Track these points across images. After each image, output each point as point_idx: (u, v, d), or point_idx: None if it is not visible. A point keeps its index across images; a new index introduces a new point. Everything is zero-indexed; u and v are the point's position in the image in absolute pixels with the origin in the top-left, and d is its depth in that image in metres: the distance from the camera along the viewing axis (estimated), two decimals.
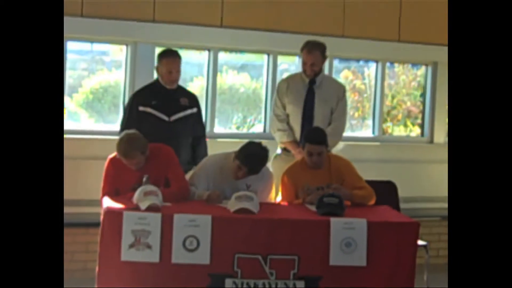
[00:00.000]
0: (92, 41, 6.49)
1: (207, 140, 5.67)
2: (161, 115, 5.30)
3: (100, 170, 4.86)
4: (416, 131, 7.60)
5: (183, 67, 5.59)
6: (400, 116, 7.56)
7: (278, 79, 6.63)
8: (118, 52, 6.55)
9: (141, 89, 5.53)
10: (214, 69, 6.66)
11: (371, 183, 5.04)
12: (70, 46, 6.21)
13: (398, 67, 7.55)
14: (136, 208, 4.32)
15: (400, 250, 4.42)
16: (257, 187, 4.87)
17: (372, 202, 4.95)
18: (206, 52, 6.67)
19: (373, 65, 7.30)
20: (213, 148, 5.55)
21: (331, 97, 5.70)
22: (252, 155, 4.79)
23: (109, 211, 4.32)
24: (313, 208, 4.64)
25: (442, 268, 5.57)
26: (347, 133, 6.21)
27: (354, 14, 6.87)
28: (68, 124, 6.19)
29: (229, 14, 6.47)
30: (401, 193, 5.75)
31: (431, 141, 7.46)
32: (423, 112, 7.54)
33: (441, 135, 7.40)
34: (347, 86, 6.37)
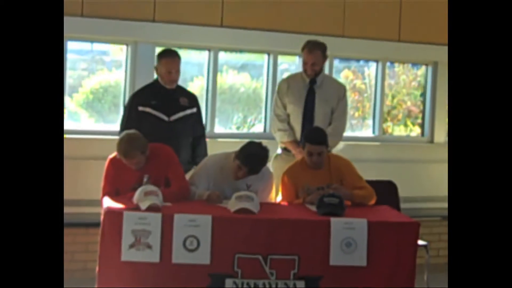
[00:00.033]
0: (92, 41, 6.49)
1: (207, 140, 5.67)
2: (161, 115, 5.30)
3: (100, 170, 4.86)
4: (416, 131, 7.60)
5: (183, 67, 5.59)
6: (400, 116, 7.56)
7: (279, 79, 6.63)
8: (118, 52, 6.55)
9: (141, 89, 5.53)
10: (214, 69, 6.66)
11: (371, 183, 5.04)
12: (70, 46, 6.21)
13: (398, 67, 7.55)
14: (137, 208, 4.32)
15: (400, 250, 4.42)
16: (258, 187, 4.87)
17: (373, 202, 4.95)
18: (206, 52, 6.67)
19: (373, 65, 7.31)
20: (214, 148, 5.54)
21: (331, 97, 5.70)
22: (252, 155, 4.79)
23: (110, 211, 4.32)
24: (313, 208, 4.63)
25: (443, 268, 5.57)
26: (347, 133, 6.21)
27: (355, 14, 6.87)
28: (68, 124, 6.20)
29: (229, 14, 6.48)
30: (401, 193, 5.75)
31: (431, 141, 7.46)
32: (423, 112, 7.54)
33: (442, 135, 7.40)
34: (347, 86, 6.37)
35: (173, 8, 6.31)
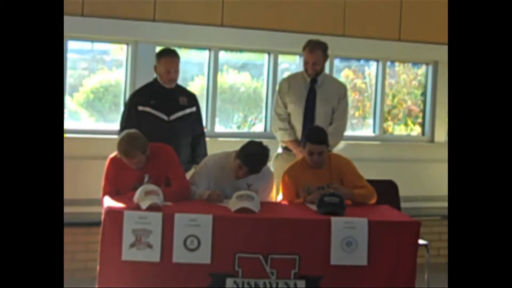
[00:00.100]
0: (92, 41, 6.49)
1: (208, 139, 5.67)
2: (160, 114, 5.30)
3: (101, 169, 4.86)
4: (416, 130, 7.60)
5: (184, 67, 5.59)
6: (400, 115, 7.56)
7: (279, 78, 6.64)
8: (119, 51, 6.55)
9: (140, 88, 5.53)
10: (215, 68, 6.66)
11: (372, 182, 5.04)
12: (71, 46, 6.21)
13: (398, 66, 7.55)
14: (137, 207, 4.32)
15: (400, 249, 4.42)
16: (258, 187, 4.87)
17: (373, 201, 4.95)
18: (207, 51, 6.67)
19: (373, 64, 7.31)
20: (214, 148, 5.54)
21: (332, 96, 5.70)
22: (253, 155, 4.79)
23: (110, 211, 4.32)
24: (313, 207, 4.63)
25: (443, 268, 5.56)
26: (347, 132, 6.20)
27: (355, 13, 6.87)
28: (68, 124, 6.20)
29: (229, 13, 6.48)
30: (402, 192, 5.75)
31: (431, 140, 7.47)
32: (423, 111, 7.55)
33: (442, 134, 7.40)
34: (347, 85, 6.37)
35: (174, 7, 6.31)
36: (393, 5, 7.01)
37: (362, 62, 7.37)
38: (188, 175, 5.10)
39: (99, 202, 4.70)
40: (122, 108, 6.13)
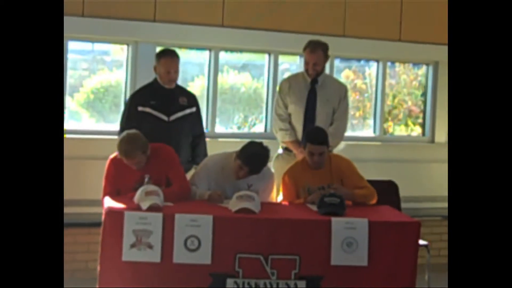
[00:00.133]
0: (93, 41, 6.49)
1: (208, 140, 5.67)
2: (160, 115, 5.30)
3: (101, 170, 4.86)
4: (417, 130, 7.60)
5: (184, 67, 5.59)
6: (401, 116, 7.56)
7: (279, 79, 6.64)
8: (119, 52, 6.55)
9: (140, 89, 5.53)
10: (215, 68, 6.66)
11: (372, 182, 5.03)
12: (71, 46, 6.21)
13: (399, 67, 7.55)
14: (137, 208, 4.32)
15: (401, 249, 4.42)
16: (258, 187, 4.87)
17: (373, 201, 4.95)
18: (207, 52, 6.67)
19: (374, 65, 7.31)
20: (214, 148, 5.54)
21: (333, 97, 5.69)
22: (253, 155, 4.79)
23: (110, 211, 4.32)
24: (314, 208, 4.64)
25: (443, 268, 5.54)
26: (348, 133, 6.20)
27: (355, 13, 6.87)
28: (69, 124, 6.20)
29: (230, 14, 6.48)
30: (402, 192, 5.75)
31: (432, 140, 7.46)
32: (424, 111, 7.54)
33: (442, 135, 7.40)
34: (348, 85, 6.37)
35: (174, 8, 6.31)
36: (393, 5, 7.01)
37: (362, 62, 7.37)
38: (188, 175, 5.10)
39: (100, 203, 4.70)
40: (122, 109, 6.14)
